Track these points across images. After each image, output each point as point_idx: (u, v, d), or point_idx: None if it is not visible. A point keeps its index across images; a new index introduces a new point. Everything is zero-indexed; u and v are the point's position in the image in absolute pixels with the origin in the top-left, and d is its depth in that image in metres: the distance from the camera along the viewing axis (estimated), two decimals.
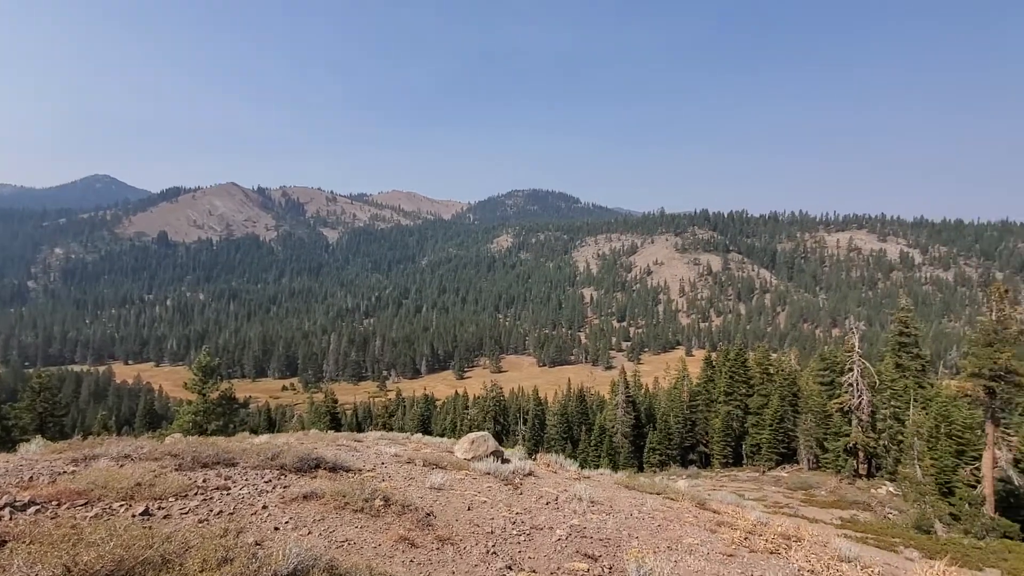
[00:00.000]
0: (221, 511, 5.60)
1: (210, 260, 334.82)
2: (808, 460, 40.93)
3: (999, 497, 24.96)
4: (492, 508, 7.23)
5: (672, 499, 11.63)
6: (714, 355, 58.09)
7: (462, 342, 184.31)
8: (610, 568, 5.59)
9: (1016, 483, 27.29)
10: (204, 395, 31.03)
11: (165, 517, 5.16)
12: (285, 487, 6.81)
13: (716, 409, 49.79)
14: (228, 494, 6.34)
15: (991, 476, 24.06)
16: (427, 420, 73.16)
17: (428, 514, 6.30)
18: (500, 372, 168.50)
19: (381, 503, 6.23)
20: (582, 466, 15.25)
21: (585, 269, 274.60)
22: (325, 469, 8.39)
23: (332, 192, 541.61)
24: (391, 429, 55.33)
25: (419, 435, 19.23)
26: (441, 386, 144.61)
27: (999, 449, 25.84)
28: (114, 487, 5.64)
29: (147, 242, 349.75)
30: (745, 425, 47.03)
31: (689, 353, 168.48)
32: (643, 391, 72.92)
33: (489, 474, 9.91)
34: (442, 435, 46.88)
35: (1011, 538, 22.39)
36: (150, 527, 4.64)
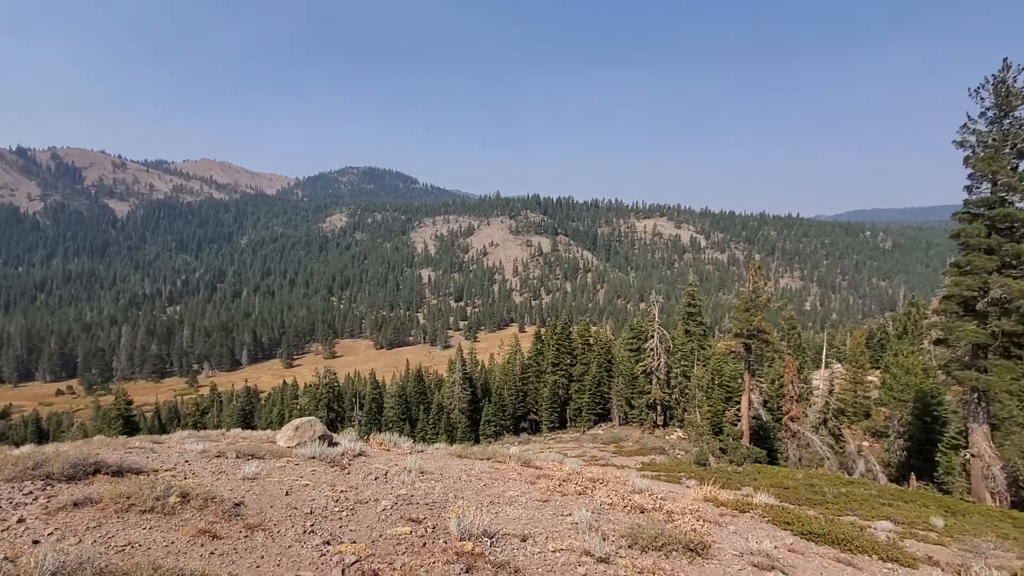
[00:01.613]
0: None
1: None
2: (619, 417, 46.66)
3: (753, 431, 31.39)
4: (314, 490, 6.93)
5: (500, 462, 12.31)
6: (543, 330, 62.64)
7: (291, 328, 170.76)
8: (433, 527, 5.79)
9: (764, 419, 34.58)
10: None
11: None
12: (51, 497, 5.69)
13: (545, 379, 53.90)
14: None
15: (747, 415, 30.10)
16: (249, 415, 66.75)
17: (237, 504, 5.81)
18: (335, 357, 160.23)
19: (177, 500, 5.55)
20: (419, 443, 15.35)
21: (423, 250, 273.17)
22: (107, 474, 7.17)
23: (121, 157, 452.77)
24: (204, 428, 49.18)
25: (237, 430, 17.46)
26: (266, 377, 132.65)
27: (753, 394, 32.41)
28: None
29: None
30: (569, 392, 51.77)
31: (522, 329, 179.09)
32: (479, 368, 75.72)
33: (314, 458, 9.44)
34: (267, 429, 43.06)
35: (760, 462, 28.45)
36: None
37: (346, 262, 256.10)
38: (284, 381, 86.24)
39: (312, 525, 5.47)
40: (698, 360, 41.89)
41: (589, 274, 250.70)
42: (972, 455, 21.85)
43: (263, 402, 79.11)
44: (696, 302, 49.05)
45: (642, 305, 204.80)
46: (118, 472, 7.27)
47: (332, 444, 11.41)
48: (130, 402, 50.18)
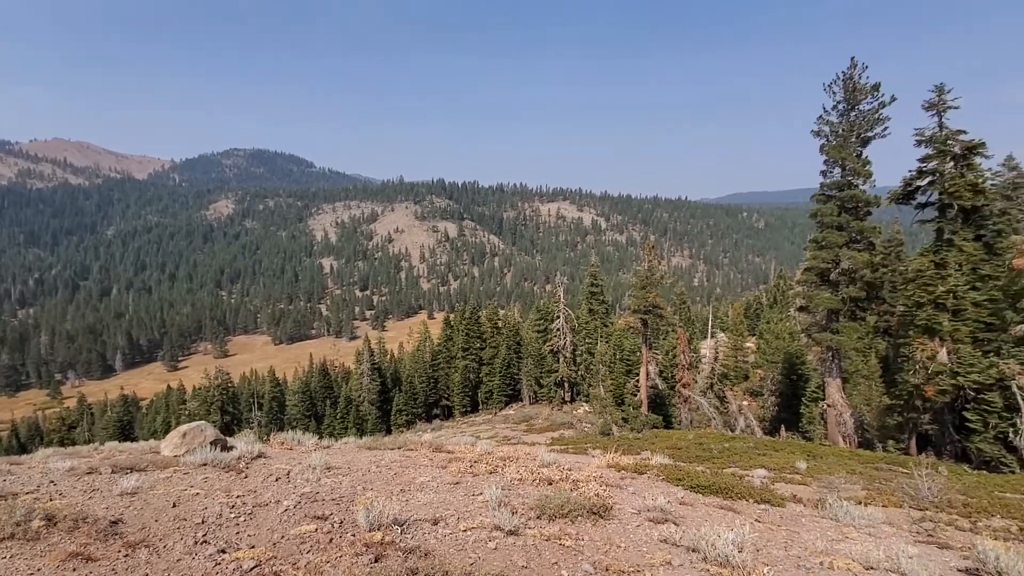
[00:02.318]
0: None
1: None
2: (529, 396, 48.00)
3: (651, 399, 33.79)
4: (207, 498, 6.46)
5: (411, 450, 12.22)
6: (452, 316, 62.53)
7: (174, 327, 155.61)
8: (341, 522, 5.65)
9: (660, 388, 37.32)
10: None
11: None
12: None
13: (455, 364, 53.99)
14: None
15: (645, 385, 32.31)
16: (128, 426, 60.31)
17: (115, 522, 5.27)
18: (228, 356, 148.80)
19: (42, 523, 4.92)
20: (326, 439, 14.78)
21: (323, 238, 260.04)
22: None
23: None
24: (74, 444, 43.57)
25: (114, 443, 15.71)
26: (147, 382, 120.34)
27: (651, 365, 34.81)
28: None
29: None
30: (480, 375, 52.31)
31: (431, 316, 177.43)
32: (389, 357, 74.07)
33: (206, 465, 8.76)
34: (151, 439, 39.05)
35: (658, 427, 30.74)
36: None
37: (235, 253, 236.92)
38: (168, 386, 78.65)
39: (204, 535, 5.11)
40: (601, 337, 44.11)
41: (496, 258, 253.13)
42: (828, 405, 25.23)
43: (144, 411, 71.70)
44: (598, 282, 51.45)
45: (548, 287, 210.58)
46: None
47: (227, 448, 10.65)
48: None
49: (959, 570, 6.14)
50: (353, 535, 5.26)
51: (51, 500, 6.35)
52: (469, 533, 5.56)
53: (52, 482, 7.36)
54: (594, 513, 6.58)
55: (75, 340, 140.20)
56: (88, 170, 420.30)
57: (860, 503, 10.13)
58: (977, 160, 22.19)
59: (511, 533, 5.55)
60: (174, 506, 6.00)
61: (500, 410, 48.47)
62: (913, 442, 23.27)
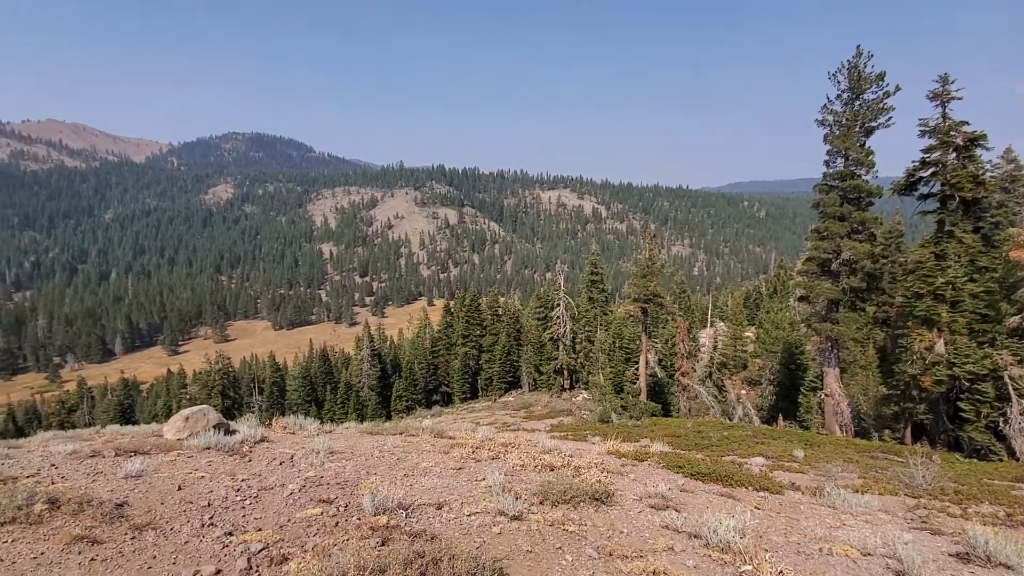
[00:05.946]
0: None
1: None
2: (528, 383, 48.21)
3: (650, 388, 33.94)
4: (212, 481, 6.50)
5: (413, 436, 12.29)
6: (452, 303, 62.53)
7: (174, 311, 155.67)
8: (346, 506, 5.69)
9: (659, 376, 37.47)
10: None
11: None
12: None
13: (455, 351, 54.12)
14: None
15: (644, 373, 32.43)
16: (129, 410, 60.58)
17: (120, 505, 5.30)
18: (228, 341, 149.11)
19: (45, 507, 4.95)
20: (327, 424, 14.85)
21: (323, 223, 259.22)
22: None
23: None
24: (74, 427, 43.78)
25: (115, 427, 15.79)
26: (147, 366, 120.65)
27: (650, 354, 34.92)
28: None
29: None
30: (480, 362, 52.46)
31: (431, 303, 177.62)
32: (388, 343, 74.24)
33: (210, 448, 8.81)
34: (152, 423, 39.30)
35: (657, 415, 30.92)
36: None
37: (235, 237, 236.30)
38: (169, 370, 78.91)
39: (211, 518, 5.14)
40: (601, 325, 44.18)
41: (496, 245, 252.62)
42: (826, 395, 25.35)
43: (145, 395, 72.00)
44: (598, 270, 51.38)
45: (548, 275, 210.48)
46: None
47: (229, 432, 10.69)
48: None
49: (951, 555, 6.22)
50: (359, 519, 5.30)
51: (53, 484, 6.37)
52: (474, 518, 5.60)
53: (53, 465, 7.38)
54: (596, 499, 6.63)
55: (74, 324, 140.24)
56: (84, 152, 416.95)
57: (857, 491, 10.22)
58: (978, 152, 22.08)
59: (515, 518, 5.59)
60: (180, 489, 6.04)
61: (499, 397, 48.69)
62: (908, 431, 23.44)
